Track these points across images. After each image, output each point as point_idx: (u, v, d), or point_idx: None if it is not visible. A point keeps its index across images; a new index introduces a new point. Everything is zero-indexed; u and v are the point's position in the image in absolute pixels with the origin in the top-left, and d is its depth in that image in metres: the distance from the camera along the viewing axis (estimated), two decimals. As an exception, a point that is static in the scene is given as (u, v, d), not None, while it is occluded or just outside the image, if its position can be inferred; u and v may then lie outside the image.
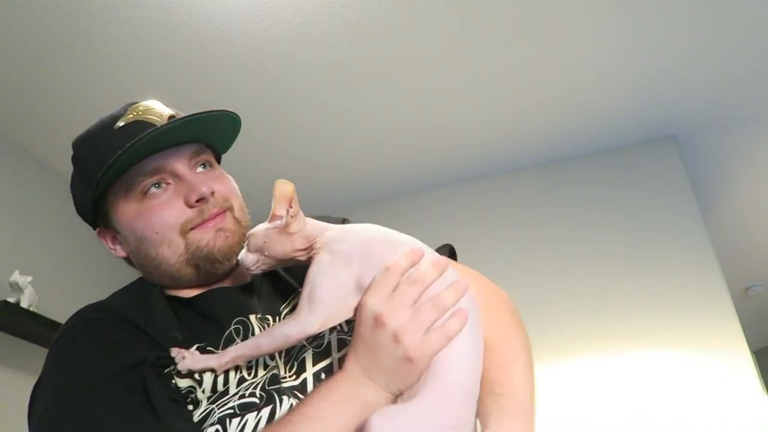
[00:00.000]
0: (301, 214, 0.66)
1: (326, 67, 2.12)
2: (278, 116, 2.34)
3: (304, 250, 0.67)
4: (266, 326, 0.71)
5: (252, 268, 0.67)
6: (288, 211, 0.65)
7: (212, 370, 0.65)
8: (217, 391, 0.65)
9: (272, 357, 0.68)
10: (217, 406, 0.63)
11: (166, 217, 0.73)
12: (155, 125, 0.74)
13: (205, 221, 0.73)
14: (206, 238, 0.73)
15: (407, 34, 1.98)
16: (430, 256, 0.64)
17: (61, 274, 2.61)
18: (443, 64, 2.13)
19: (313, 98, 2.26)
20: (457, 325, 0.59)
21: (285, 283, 0.80)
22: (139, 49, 2.03)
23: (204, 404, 0.64)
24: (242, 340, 0.68)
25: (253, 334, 0.70)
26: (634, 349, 2.06)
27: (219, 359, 0.65)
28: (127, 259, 0.82)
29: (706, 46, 2.09)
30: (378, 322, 0.59)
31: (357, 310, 0.62)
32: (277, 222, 0.65)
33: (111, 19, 1.92)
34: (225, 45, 2.02)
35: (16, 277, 2.18)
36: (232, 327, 0.70)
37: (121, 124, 0.77)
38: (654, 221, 2.30)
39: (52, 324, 2.25)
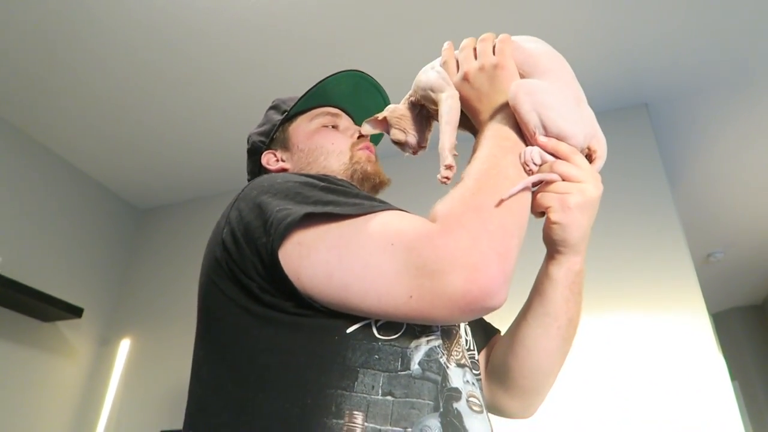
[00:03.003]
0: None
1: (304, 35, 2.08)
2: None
3: (422, 103, 0.85)
4: None
5: (424, 143, 0.87)
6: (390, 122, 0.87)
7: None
8: None
9: None
10: None
11: (341, 138, 0.98)
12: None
13: (366, 145, 0.98)
14: (364, 156, 0.96)
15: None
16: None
17: (26, 235, 2.55)
18: (410, 29, 2.10)
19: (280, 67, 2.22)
20: (503, 34, 0.77)
21: None
22: (134, 34, 1.97)
23: None
24: None
25: None
26: (597, 311, 2.12)
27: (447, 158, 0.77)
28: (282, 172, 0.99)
29: (682, 15, 2.10)
30: (466, 77, 0.76)
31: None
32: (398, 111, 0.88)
33: (114, 6, 1.88)
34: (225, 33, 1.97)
35: (-22, 237, 2.13)
36: None
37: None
38: (622, 188, 2.34)
39: (16, 285, 2.21)
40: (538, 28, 2.11)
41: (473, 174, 0.67)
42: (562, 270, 0.79)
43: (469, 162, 0.70)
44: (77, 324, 2.66)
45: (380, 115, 0.87)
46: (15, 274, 2.28)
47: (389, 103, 0.99)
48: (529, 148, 0.70)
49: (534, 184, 0.70)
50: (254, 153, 1.05)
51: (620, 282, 2.15)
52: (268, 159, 1.01)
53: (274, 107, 1.07)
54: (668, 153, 2.79)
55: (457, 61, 0.79)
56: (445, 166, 0.74)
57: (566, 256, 0.78)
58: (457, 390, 0.68)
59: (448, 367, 0.69)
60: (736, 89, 2.49)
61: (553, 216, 0.71)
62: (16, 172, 2.52)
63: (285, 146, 1.01)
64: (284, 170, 0.98)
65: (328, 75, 1.00)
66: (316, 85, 1.00)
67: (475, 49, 0.77)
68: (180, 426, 0.67)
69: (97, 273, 2.87)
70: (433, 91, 0.79)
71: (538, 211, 0.72)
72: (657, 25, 2.14)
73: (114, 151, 2.74)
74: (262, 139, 1.04)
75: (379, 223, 0.64)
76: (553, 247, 0.77)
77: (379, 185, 0.97)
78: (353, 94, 1.04)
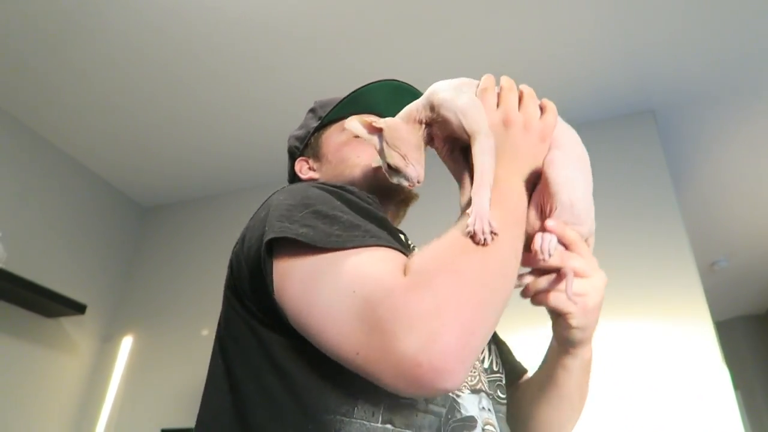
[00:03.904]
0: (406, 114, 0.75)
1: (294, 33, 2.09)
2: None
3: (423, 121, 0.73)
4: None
5: (422, 178, 0.71)
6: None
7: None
8: None
9: None
10: None
11: (369, 152, 0.91)
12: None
13: None
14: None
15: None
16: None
17: (31, 231, 2.56)
18: (417, 32, 2.10)
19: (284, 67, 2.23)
20: (551, 102, 0.72)
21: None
22: (140, 31, 1.98)
23: None
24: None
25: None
26: (602, 317, 2.11)
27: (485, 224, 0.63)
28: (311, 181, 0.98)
29: (689, 21, 2.09)
30: (506, 123, 0.69)
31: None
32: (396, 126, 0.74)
33: (122, 5, 1.88)
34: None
35: (-16, 232, 2.13)
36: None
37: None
38: (628, 195, 2.33)
39: (20, 281, 2.22)
40: (546, 33, 2.11)
41: (464, 231, 0.59)
42: (577, 361, 0.78)
43: (461, 210, 0.65)
44: (80, 320, 2.66)
45: (376, 123, 0.72)
46: (19, 269, 2.28)
47: None
48: (547, 235, 0.66)
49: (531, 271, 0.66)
50: (291, 157, 1.06)
51: (624, 289, 2.14)
52: (301, 167, 1.01)
53: (312, 110, 1.05)
54: (674, 160, 2.79)
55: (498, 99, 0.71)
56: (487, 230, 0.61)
57: (581, 349, 0.77)
58: (471, 419, 0.66)
59: (459, 395, 0.66)
60: (743, 97, 2.49)
61: (574, 321, 0.69)
62: (22, 168, 2.53)
63: (317, 155, 1.00)
64: (312, 179, 0.98)
65: (365, 84, 0.98)
66: (352, 93, 0.97)
67: (520, 99, 0.71)
68: (180, 424, 0.67)
69: (100, 270, 2.87)
70: (465, 118, 0.67)
71: (549, 309, 0.69)
72: (664, 32, 2.14)
73: (119, 148, 2.75)
74: (297, 144, 1.04)
75: (353, 263, 0.59)
76: (568, 345, 0.76)
77: (404, 201, 0.93)
78: (391, 100, 0.97)
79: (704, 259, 3.74)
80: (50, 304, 2.35)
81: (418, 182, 0.70)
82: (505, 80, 0.73)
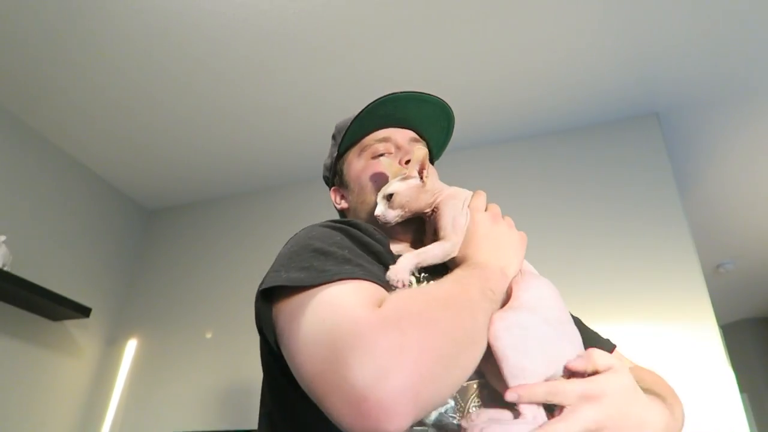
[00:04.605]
0: (432, 171, 0.87)
1: (294, 41, 2.09)
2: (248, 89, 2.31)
3: (430, 206, 0.84)
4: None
5: (392, 221, 0.82)
6: (423, 172, 0.83)
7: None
8: None
9: None
10: None
11: (384, 178, 0.91)
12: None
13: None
14: None
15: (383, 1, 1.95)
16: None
17: (35, 234, 2.56)
18: (421, 32, 2.10)
19: (282, 71, 2.23)
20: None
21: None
22: (144, 33, 1.98)
23: None
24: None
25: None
26: (605, 320, 2.10)
27: (400, 275, 0.71)
28: (343, 213, 1.02)
29: (693, 25, 2.09)
30: (495, 219, 0.79)
31: (471, 223, 0.79)
32: (413, 181, 0.83)
33: (126, 7, 1.89)
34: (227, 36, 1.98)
35: (-11, 235, 2.14)
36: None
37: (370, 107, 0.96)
38: (633, 197, 2.33)
39: (25, 284, 2.22)
40: (548, 38, 2.11)
41: (446, 286, 0.62)
42: None
43: (447, 268, 0.71)
44: (85, 323, 2.67)
45: (424, 175, 0.84)
46: (24, 272, 2.29)
47: (448, 111, 1.00)
48: (520, 406, 0.60)
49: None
50: (327, 186, 1.07)
51: (629, 292, 2.14)
52: (335, 197, 1.02)
53: (333, 136, 1.04)
54: (679, 163, 2.78)
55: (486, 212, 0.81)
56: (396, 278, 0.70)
57: None
58: None
59: (466, 429, 0.64)
60: (747, 99, 2.48)
61: None
62: (27, 171, 2.54)
63: (344, 183, 1.00)
64: (345, 210, 1.00)
65: (367, 104, 0.95)
66: (357, 116, 0.95)
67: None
68: (186, 426, 0.69)
69: (105, 273, 2.88)
70: (443, 220, 0.80)
71: None
72: (668, 35, 2.14)
73: (123, 151, 2.76)
74: (327, 174, 1.05)
75: (331, 294, 0.60)
76: None
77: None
78: (392, 114, 0.97)
79: (710, 261, 3.73)
80: (55, 308, 2.36)
81: (379, 218, 0.82)
82: (495, 209, 0.83)
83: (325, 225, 0.76)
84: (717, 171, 2.95)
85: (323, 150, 2.67)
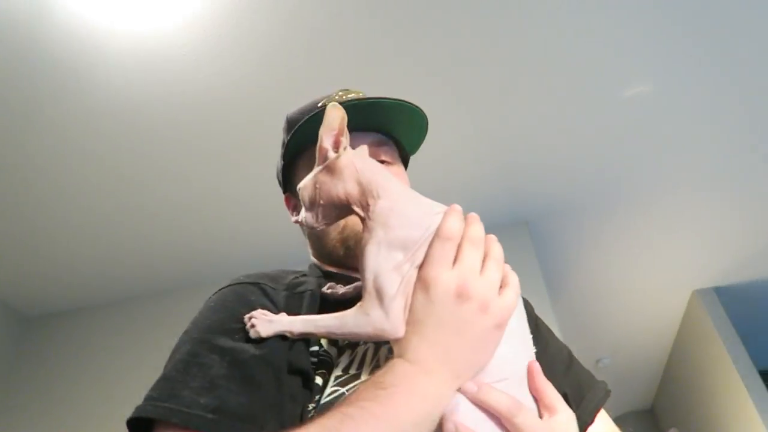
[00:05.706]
0: (351, 150, 0.60)
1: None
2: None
3: (359, 203, 0.59)
4: None
5: (316, 225, 0.61)
6: (341, 140, 0.59)
7: (284, 337, 0.59)
8: (348, 373, 0.60)
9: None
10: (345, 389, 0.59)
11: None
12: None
13: None
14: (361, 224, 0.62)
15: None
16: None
17: None
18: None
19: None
20: (515, 275, 0.57)
21: None
22: (24, 132, 1.98)
23: (331, 384, 0.59)
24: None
25: None
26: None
27: (290, 327, 0.58)
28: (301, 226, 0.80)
29: (558, 139, 2.36)
30: (461, 295, 0.52)
31: (417, 289, 0.54)
32: (319, 168, 0.60)
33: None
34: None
35: None
36: None
37: (321, 104, 0.80)
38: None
39: None
40: (426, 147, 2.31)
41: (342, 419, 0.46)
42: None
43: (374, 375, 0.52)
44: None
45: (340, 151, 0.59)
46: None
47: (415, 108, 0.80)
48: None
49: None
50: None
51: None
52: (288, 207, 0.87)
53: (282, 140, 0.85)
54: (548, 267, 3.02)
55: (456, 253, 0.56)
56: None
57: None
58: None
59: None
60: (609, 207, 2.78)
61: None
62: None
63: (294, 193, 0.81)
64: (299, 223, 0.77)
65: (312, 113, 0.77)
66: (300, 125, 0.76)
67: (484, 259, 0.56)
68: None
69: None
70: (364, 270, 0.56)
71: None
72: (534, 150, 2.40)
73: (0, 253, 2.62)
74: (279, 178, 0.88)
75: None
76: None
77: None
78: (361, 112, 0.74)
79: (589, 357, 3.96)
80: None
81: (303, 226, 0.66)
82: (474, 227, 0.57)
83: (222, 292, 0.67)
84: (584, 273, 3.24)
85: (209, 257, 2.69)
